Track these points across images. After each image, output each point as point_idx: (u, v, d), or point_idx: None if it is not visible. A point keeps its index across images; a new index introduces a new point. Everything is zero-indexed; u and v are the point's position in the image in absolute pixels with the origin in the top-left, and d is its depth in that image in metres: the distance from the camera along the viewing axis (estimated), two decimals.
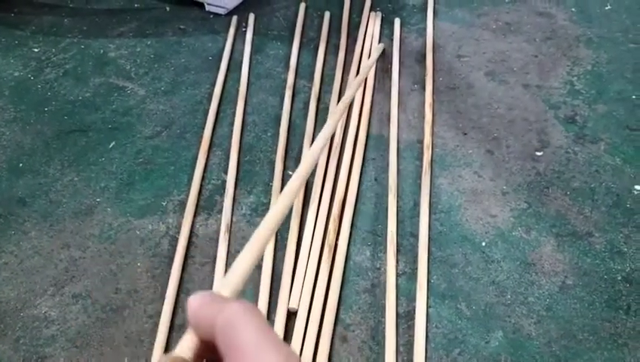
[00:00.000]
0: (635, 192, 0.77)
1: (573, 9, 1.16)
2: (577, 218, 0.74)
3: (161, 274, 0.68)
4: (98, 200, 0.77)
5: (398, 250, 0.70)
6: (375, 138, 0.85)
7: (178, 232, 0.72)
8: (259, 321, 0.23)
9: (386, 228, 0.72)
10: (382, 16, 1.12)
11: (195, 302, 0.24)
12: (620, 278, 0.67)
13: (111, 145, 0.85)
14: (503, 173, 0.80)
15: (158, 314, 0.63)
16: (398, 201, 0.76)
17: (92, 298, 0.66)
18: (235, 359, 0.22)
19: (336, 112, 0.56)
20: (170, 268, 0.68)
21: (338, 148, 0.83)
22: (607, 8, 1.16)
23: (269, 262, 0.68)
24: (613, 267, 0.68)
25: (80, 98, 0.94)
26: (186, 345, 0.24)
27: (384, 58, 1.01)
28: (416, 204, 0.76)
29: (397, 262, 0.69)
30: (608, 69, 0.99)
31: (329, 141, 0.71)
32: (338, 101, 0.91)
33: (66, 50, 1.06)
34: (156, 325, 0.62)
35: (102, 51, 1.05)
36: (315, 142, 0.43)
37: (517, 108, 0.91)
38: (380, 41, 1.05)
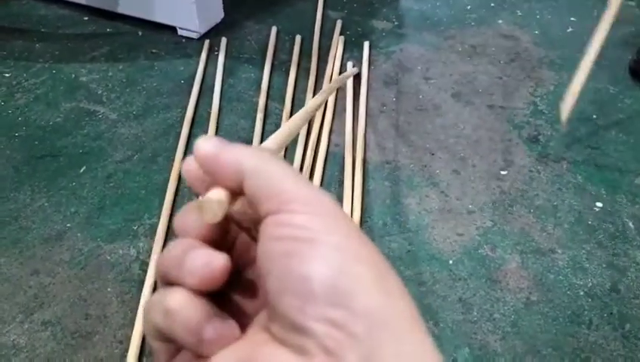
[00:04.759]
0: (597, 209, 0.80)
1: (536, 32, 1.20)
2: (541, 235, 0.76)
3: (132, 298, 0.68)
4: (68, 225, 0.77)
5: None
6: (340, 157, 0.87)
7: (149, 257, 0.72)
8: (289, 166, 0.21)
9: None
10: (346, 40, 1.15)
11: (207, 146, 0.22)
12: (582, 293, 0.69)
13: (82, 170, 0.86)
14: (469, 192, 0.82)
15: (128, 339, 0.63)
16: (366, 221, 0.77)
17: (61, 324, 0.66)
18: (274, 203, 0.20)
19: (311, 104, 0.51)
20: (141, 292, 0.68)
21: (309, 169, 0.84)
22: (568, 31, 1.21)
23: None
24: (576, 282, 0.71)
25: (51, 123, 0.94)
26: (214, 195, 0.21)
27: (353, 80, 1.03)
28: (385, 224, 0.77)
29: None
30: None
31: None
32: (309, 124, 0.93)
33: (37, 75, 1.06)
34: (126, 350, 0.62)
35: (73, 76, 1.06)
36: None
37: (482, 128, 0.94)
38: (345, 64, 1.07)
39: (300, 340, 0.18)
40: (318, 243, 0.19)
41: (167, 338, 0.21)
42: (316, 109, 0.38)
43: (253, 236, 0.24)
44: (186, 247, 0.21)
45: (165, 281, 0.22)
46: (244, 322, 0.22)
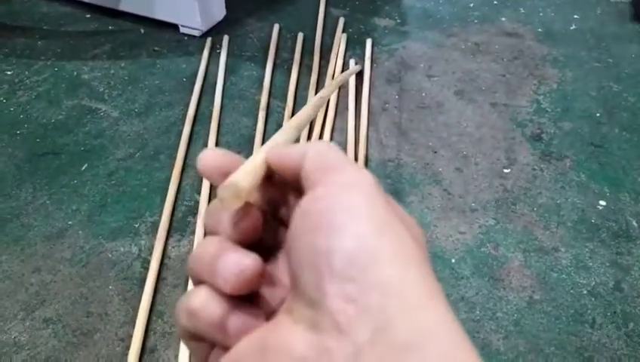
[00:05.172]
0: (600, 208, 0.80)
1: (539, 29, 1.19)
2: (544, 233, 0.76)
3: (133, 296, 0.68)
4: (70, 222, 0.77)
5: None
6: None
7: (150, 254, 0.72)
8: (342, 151, 0.23)
9: None
10: (349, 37, 1.15)
11: (274, 149, 0.24)
12: (585, 292, 0.69)
13: (83, 168, 0.85)
14: (471, 190, 0.82)
15: (130, 336, 0.63)
16: None
17: (63, 322, 0.66)
18: (324, 173, 0.21)
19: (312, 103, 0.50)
20: (142, 290, 0.68)
21: None
22: (572, 28, 1.20)
23: None
24: (579, 281, 0.70)
25: (53, 121, 0.94)
26: (246, 168, 0.22)
27: (355, 78, 1.03)
28: None
29: None
30: (573, 88, 1.02)
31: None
32: (311, 122, 0.93)
33: (39, 73, 1.06)
34: (127, 348, 0.62)
35: (75, 73, 1.06)
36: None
37: (485, 126, 0.93)
38: (347, 61, 1.07)
39: (314, 316, 0.18)
40: (343, 213, 0.19)
41: (196, 337, 0.22)
42: (320, 106, 0.37)
43: (282, 220, 0.25)
44: (218, 249, 0.21)
45: (198, 281, 0.22)
46: (271, 310, 0.22)
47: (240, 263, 0.21)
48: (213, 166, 0.24)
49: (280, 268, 0.24)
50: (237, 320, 0.21)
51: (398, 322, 0.17)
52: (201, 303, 0.21)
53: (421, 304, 0.18)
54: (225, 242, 0.22)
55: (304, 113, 0.32)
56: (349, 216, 0.19)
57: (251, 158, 0.24)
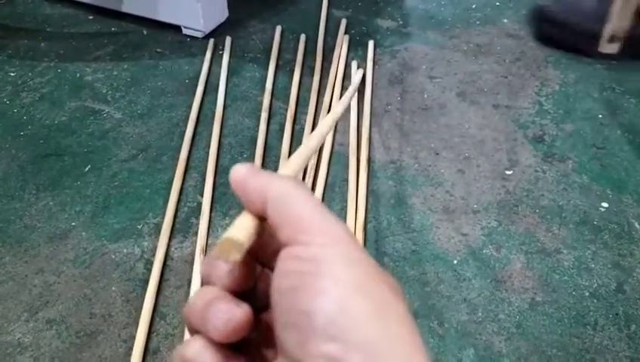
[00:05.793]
0: (602, 209, 0.80)
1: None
2: (546, 235, 0.76)
3: (136, 297, 0.68)
4: (73, 224, 0.77)
5: None
6: (344, 157, 0.87)
7: (153, 255, 0.73)
8: (315, 198, 0.22)
9: None
10: (351, 39, 1.15)
11: (240, 172, 0.23)
12: (587, 294, 0.69)
13: (86, 169, 0.86)
14: (473, 191, 0.82)
15: (133, 338, 0.63)
16: (370, 221, 0.77)
17: (66, 323, 0.66)
18: (291, 231, 0.21)
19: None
20: (145, 291, 0.68)
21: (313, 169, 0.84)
22: None
23: None
24: (581, 283, 0.70)
25: (56, 122, 0.95)
26: (241, 224, 0.22)
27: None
28: (390, 224, 0.77)
29: None
30: (575, 89, 1.02)
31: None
32: (314, 123, 0.93)
33: (43, 74, 1.06)
34: (130, 349, 0.62)
35: (78, 75, 1.06)
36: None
37: (487, 128, 0.94)
38: (349, 63, 1.07)
39: None
40: (323, 278, 0.20)
41: None
42: (331, 128, 0.37)
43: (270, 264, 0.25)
44: (209, 299, 0.22)
45: (192, 330, 0.23)
46: (266, 357, 0.23)
47: (229, 312, 0.21)
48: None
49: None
50: None
51: None
52: (195, 353, 0.21)
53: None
54: (218, 291, 0.22)
55: (312, 143, 0.32)
56: (329, 279, 0.19)
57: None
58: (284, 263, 0.21)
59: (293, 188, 0.22)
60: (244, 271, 0.23)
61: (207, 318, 0.21)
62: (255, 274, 0.24)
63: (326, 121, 0.36)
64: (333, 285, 0.19)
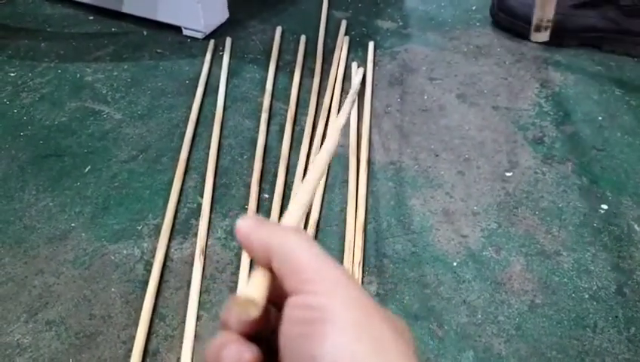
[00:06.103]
0: (602, 211, 0.80)
1: None
2: (546, 237, 0.76)
3: (136, 299, 0.68)
4: (73, 225, 0.77)
5: (363, 271, 0.71)
6: (344, 158, 0.87)
7: (153, 256, 0.73)
8: (315, 245, 0.24)
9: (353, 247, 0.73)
10: (351, 40, 1.15)
11: (244, 225, 0.25)
12: (587, 296, 0.69)
13: (86, 170, 0.86)
14: (473, 193, 0.82)
15: (132, 339, 0.63)
16: (370, 222, 0.77)
17: (65, 324, 0.66)
18: (295, 281, 0.23)
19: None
20: (145, 292, 0.68)
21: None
22: None
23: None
24: (581, 285, 0.70)
25: (56, 122, 0.95)
26: (256, 281, 0.24)
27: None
28: (390, 225, 0.77)
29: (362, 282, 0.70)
30: (575, 91, 1.02)
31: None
32: (314, 124, 0.93)
33: (43, 75, 1.06)
34: (130, 350, 0.62)
35: (78, 75, 1.06)
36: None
37: (487, 129, 0.94)
38: (349, 64, 1.07)
39: None
40: (325, 324, 0.21)
41: None
42: (328, 162, 0.38)
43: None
44: (223, 342, 0.23)
45: None
46: None
47: (239, 354, 0.23)
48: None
49: None
50: None
51: None
52: None
53: None
54: (231, 334, 0.24)
55: (313, 180, 0.32)
56: (330, 324, 0.21)
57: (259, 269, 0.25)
58: (291, 311, 0.22)
59: (295, 241, 0.24)
60: (258, 318, 0.24)
61: (219, 360, 0.23)
62: (270, 319, 0.25)
63: (321, 156, 0.37)
64: (333, 329, 0.21)
